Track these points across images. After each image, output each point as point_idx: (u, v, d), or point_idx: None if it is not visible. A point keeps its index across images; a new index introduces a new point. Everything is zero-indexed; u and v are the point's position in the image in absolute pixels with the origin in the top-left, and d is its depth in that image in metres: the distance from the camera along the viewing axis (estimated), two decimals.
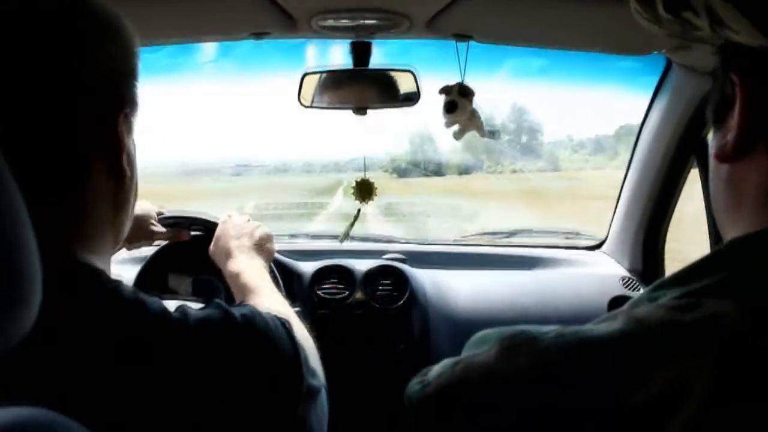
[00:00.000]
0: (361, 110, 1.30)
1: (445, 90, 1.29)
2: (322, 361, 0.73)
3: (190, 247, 1.30)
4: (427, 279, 1.57)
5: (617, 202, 1.72)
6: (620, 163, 1.77)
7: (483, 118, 1.34)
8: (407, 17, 1.13)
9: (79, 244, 0.56)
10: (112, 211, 0.61)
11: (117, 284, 0.56)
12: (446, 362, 0.47)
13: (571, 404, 0.39)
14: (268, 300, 0.86)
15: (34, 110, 0.52)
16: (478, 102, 1.31)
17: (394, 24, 1.15)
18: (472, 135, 1.36)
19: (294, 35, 1.26)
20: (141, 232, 1.13)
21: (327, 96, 1.30)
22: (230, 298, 0.95)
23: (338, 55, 1.34)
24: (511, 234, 1.95)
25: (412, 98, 1.29)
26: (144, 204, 1.15)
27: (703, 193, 1.45)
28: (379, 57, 1.30)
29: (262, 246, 1.05)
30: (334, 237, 1.89)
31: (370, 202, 1.45)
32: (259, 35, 1.22)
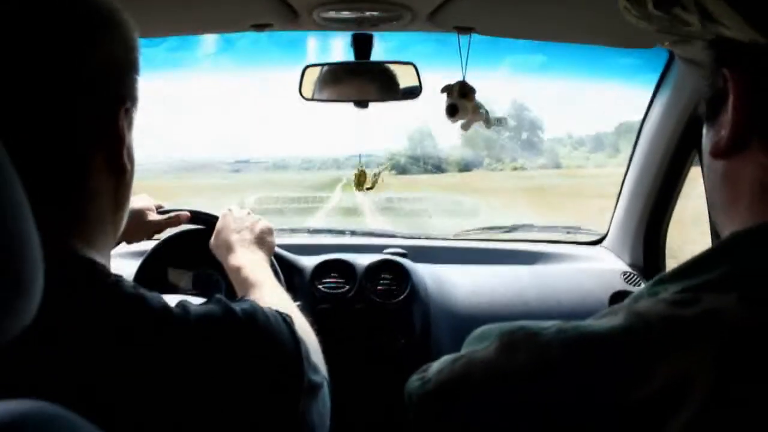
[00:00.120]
0: (362, 104, 1.30)
1: (447, 90, 1.29)
2: (323, 356, 0.73)
3: (190, 241, 1.30)
4: (428, 274, 1.57)
5: (618, 196, 1.72)
6: (621, 160, 1.77)
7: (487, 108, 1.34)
8: (409, 9, 1.12)
9: (79, 239, 0.56)
10: (113, 206, 0.61)
11: (118, 279, 0.56)
12: (446, 359, 0.47)
13: (572, 400, 0.39)
14: (270, 295, 0.86)
15: (34, 106, 0.52)
16: (479, 98, 1.31)
17: (396, 16, 1.15)
18: (473, 131, 1.36)
19: (295, 27, 1.25)
20: (140, 226, 1.13)
21: (328, 89, 1.30)
22: (231, 293, 0.95)
23: (338, 51, 1.34)
24: (512, 229, 1.94)
25: (413, 92, 1.29)
26: (143, 198, 1.15)
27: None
28: (379, 53, 1.30)
29: (263, 239, 1.05)
30: (335, 232, 1.90)
31: (370, 192, 1.48)
32: (260, 27, 1.22)
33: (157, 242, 1.37)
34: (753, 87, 0.43)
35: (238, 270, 0.95)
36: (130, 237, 1.14)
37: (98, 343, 0.51)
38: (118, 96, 0.58)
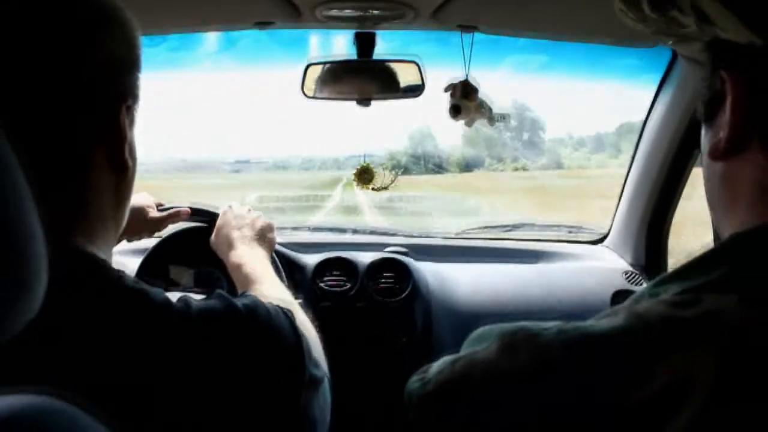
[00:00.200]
0: (364, 101, 1.30)
1: (450, 89, 1.29)
2: (324, 354, 0.73)
3: (191, 239, 1.30)
4: (429, 272, 1.57)
5: (620, 194, 1.72)
6: (623, 161, 1.77)
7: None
8: (412, 7, 1.12)
9: (81, 234, 0.57)
10: (114, 202, 0.61)
11: (120, 274, 0.56)
12: (446, 359, 0.47)
13: (573, 401, 0.39)
14: (271, 290, 0.86)
15: (35, 102, 0.52)
16: (481, 97, 1.31)
17: (399, 14, 1.15)
18: (474, 131, 1.36)
19: (298, 25, 1.25)
20: (141, 223, 1.13)
21: (330, 87, 1.29)
22: (232, 291, 0.95)
23: (340, 50, 1.34)
24: (514, 228, 1.94)
25: (416, 89, 1.29)
26: (143, 196, 1.15)
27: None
28: (381, 53, 1.30)
29: (263, 236, 1.05)
30: (337, 230, 1.90)
31: (370, 192, 1.46)
32: (262, 25, 1.22)
33: (158, 240, 1.37)
34: (751, 89, 0.43)
35: (238, 266, 0.95)
36: (131, 234, 1.14)
37: (101, 337, 0.52)
38: (120, 93, 0.59)
